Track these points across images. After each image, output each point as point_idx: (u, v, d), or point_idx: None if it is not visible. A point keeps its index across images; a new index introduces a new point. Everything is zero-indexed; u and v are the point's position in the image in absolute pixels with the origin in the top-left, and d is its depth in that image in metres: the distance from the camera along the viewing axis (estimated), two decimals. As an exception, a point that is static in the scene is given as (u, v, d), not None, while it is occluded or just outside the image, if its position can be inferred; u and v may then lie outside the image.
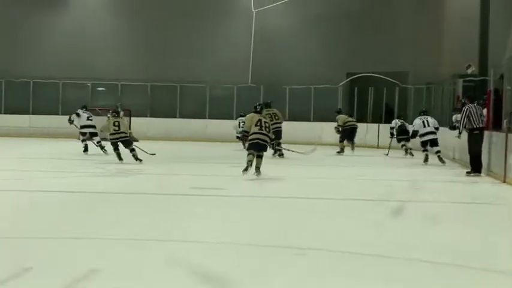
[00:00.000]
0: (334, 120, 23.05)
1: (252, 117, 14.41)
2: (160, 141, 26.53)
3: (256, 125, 14.14)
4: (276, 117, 20.16)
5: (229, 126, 26.20)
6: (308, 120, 28.67)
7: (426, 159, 19.05)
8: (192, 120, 29.57)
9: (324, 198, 11.44)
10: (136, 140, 27.83)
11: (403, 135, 21.46)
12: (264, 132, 14.12)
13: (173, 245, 7.10)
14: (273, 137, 14.91)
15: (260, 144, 14.09)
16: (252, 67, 30.73)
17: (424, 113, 19.58)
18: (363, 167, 18.46)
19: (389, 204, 10.56)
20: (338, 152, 22.53)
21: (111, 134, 17.34)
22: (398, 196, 11.79)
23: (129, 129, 23.39)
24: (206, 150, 23.58)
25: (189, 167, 17.29)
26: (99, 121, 24.62)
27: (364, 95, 28.80)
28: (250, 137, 14.15)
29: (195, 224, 8.45)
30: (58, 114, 29.30)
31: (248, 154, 14.02)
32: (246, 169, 13.73)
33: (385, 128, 24.73)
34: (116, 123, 17.39)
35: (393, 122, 22.34)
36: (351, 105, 28.71)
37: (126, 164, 16.67)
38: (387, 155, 21.48)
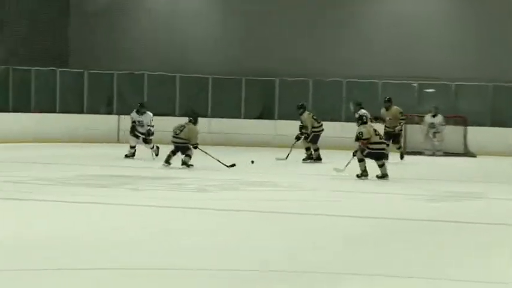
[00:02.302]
0: None
1: (369, 127, 15.86)
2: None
3: (376, 134, 15.77)
4: (319, 121, 19.93)
5: None
6: None
7: None
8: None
9: None
10: (474, 156, 23.24)
11: None
12: (382, 140, 16.27)
13: None
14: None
15: (385, 154, 16.05)
16: None
17: None
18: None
19: None
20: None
21: (173, 137, 18.24)
22: None
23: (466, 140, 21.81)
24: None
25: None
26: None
27: None
28: (374, 146, 15.52)
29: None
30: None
31: (361, 160, 15.56)
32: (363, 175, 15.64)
33: None
34: (181, 128, 18.11)
35: None
36: None
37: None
38: None
